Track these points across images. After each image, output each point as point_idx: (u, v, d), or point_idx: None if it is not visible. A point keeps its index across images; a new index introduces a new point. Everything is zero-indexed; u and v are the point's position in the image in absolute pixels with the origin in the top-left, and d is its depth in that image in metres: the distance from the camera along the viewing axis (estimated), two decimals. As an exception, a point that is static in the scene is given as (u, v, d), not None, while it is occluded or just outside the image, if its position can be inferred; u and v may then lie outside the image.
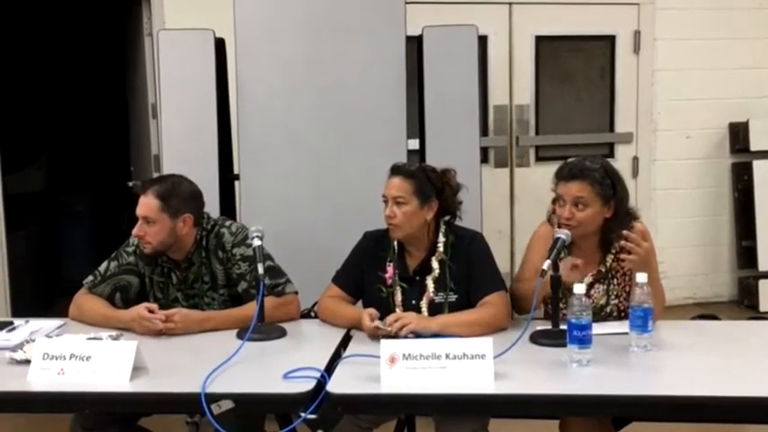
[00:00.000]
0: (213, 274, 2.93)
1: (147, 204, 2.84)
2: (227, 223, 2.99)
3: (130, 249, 2.98)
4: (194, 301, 2.94)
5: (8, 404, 2.40)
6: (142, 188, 2.91)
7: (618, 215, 2.77)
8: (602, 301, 2.81)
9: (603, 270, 2.82)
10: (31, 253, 5.99)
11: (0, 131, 5.83)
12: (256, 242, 2.75)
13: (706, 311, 5.43)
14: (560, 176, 2.78)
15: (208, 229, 2.95)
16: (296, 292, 2.92)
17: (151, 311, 2.71)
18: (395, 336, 2.54)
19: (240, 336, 2.64)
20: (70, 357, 2.33)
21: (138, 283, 2.96)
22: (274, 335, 2.70)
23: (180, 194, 2.87)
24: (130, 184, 5.42)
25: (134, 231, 2.87)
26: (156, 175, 4.46)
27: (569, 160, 2.82)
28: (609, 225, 2.78)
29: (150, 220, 2.83)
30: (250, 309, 2.70)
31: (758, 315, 5.42)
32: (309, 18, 3.95)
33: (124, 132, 6.25)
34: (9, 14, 6.62)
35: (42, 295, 5.97)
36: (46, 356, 2.34)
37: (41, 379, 2.32)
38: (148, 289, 2.97)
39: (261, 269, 2.67)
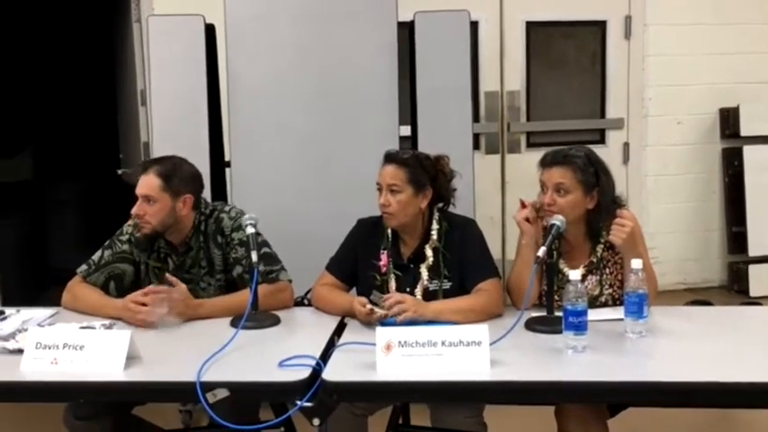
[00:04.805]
0: (210, 259, 2.92)
1: (148, 183, 2.83)
2: (227, 208, 2.97)
3: (124, 238, 2.95)
4: (190, 286, 2.88)
5: (1, 394, 2.37)
6: (143, 167, 2.89)
7: (602, 205, 2.75)
8: (596, 292, 2.80)
9: (595, 261, 2.80)
10: (19, 242, 5.95)
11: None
12: (250, 230, 2.74)
13: (696, 297, 5.46)
14: (543, 163, 2.78)
15: (206, 214, 2.94)
16: (290, 280, 2.91)
17: (141, 303, 2.68)
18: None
19: (234, 324, 2.62)
20: (63, 347, 2.31)
21: (132, 272, 2.94)
22: (268, 323, 2.69)
23: (181, 175, 2.86)
24: (120, 171, 5.38)
25: (133, 210, 2.84)
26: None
27: (554, 148, 2.81)
28: (594, 215, 2.77)
29: (151, 199, 2.81)
30: (243, 296, 2.68)
31: (749, 300, 5.45)
32: (300, 4, 3.92)
33: (113, 120, 6.20)
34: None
35: (30, 284, 5.93)
36: (39, 346, 2.32)
37: (34, 368, 2.29)
38: (143, 277, 2.95)
39: (254, 257, 2.65)
